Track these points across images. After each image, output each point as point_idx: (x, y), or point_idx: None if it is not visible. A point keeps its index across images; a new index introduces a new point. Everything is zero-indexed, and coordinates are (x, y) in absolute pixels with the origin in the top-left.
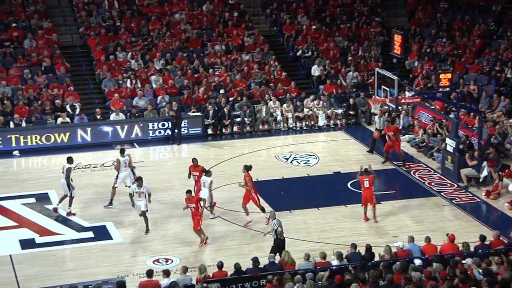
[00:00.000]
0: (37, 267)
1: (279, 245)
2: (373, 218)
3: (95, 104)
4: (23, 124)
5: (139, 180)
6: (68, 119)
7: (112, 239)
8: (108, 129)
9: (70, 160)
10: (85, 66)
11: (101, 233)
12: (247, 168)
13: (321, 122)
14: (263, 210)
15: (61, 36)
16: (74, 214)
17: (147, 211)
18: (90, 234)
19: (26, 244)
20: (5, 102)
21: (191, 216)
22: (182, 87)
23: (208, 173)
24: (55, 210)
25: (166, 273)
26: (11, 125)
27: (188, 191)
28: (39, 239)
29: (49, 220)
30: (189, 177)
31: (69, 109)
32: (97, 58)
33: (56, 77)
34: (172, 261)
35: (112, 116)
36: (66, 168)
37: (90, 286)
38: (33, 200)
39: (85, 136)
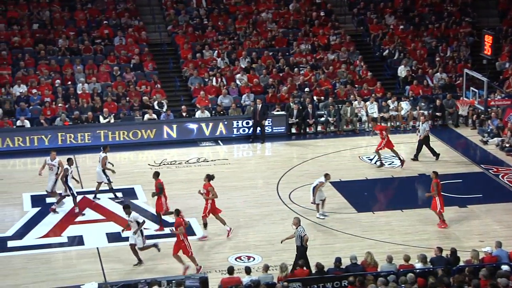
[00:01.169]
0: (122, 260)
1: (302, 252)
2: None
3: (181, 101)
4: (112, 120)
5: (126, 209)
6: (155, 116)
7: (195, 235)
8: (193, 126)
9: (69, 161)
10: (172, 64)
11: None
12: (209, 177)
13: (404, 111)
14: (205, 225)
15: (150, 34)
16: (57, 212)
17: (135, 244)
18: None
19: (113, 237)
20: (95, 98)
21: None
22: (267, 86)
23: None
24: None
25: (247, 271)
26: (101, 120)
27: (176, 210)
28: (125, 233)
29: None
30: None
31: (156, 106)
32: (184, 56)
33: (144, 74)
34: (254, 259)
35: (198, 114)
36: (64, 168)
37: (173, 281)
38: (119, 194)
39: (171, 133)
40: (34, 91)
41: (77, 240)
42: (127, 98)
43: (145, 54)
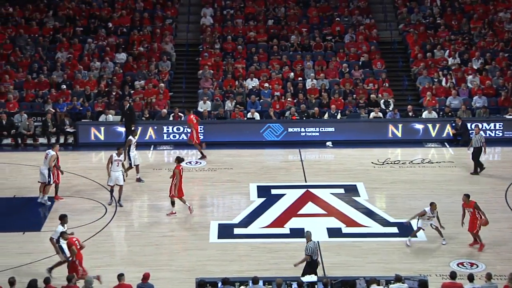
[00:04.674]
0: (342, 256)
1: (311, 267)
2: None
3: (408, 101)
4: (338, 116)
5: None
6: (380, 114)
7: (416, 237)
8: (419, 126)
9: (133, 132)
10: (401, 63)
11: (406, 230)
12: (178, 160)
13: None
14: (173, 203)
15: (381, 32)
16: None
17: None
18: (394, 230)
19: (333, 232)
20: (323, 93)
21: None
22: (499, 88)
23: None
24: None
25: (470, 278)
26: (326, 116)
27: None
28: (345, 229)
29: (356, 211)
30: None
31: (382, 105)
32: (414, 55)
33: (373, 72)
34: (477, 266)
35: (425, 114)
36: (127, 139)
37: (392, 281)
38: (341, 190)
39: (396, 132)
40: (265, 85)
41: (299, 233)
42: (354, 96)
43: (374, 52)
